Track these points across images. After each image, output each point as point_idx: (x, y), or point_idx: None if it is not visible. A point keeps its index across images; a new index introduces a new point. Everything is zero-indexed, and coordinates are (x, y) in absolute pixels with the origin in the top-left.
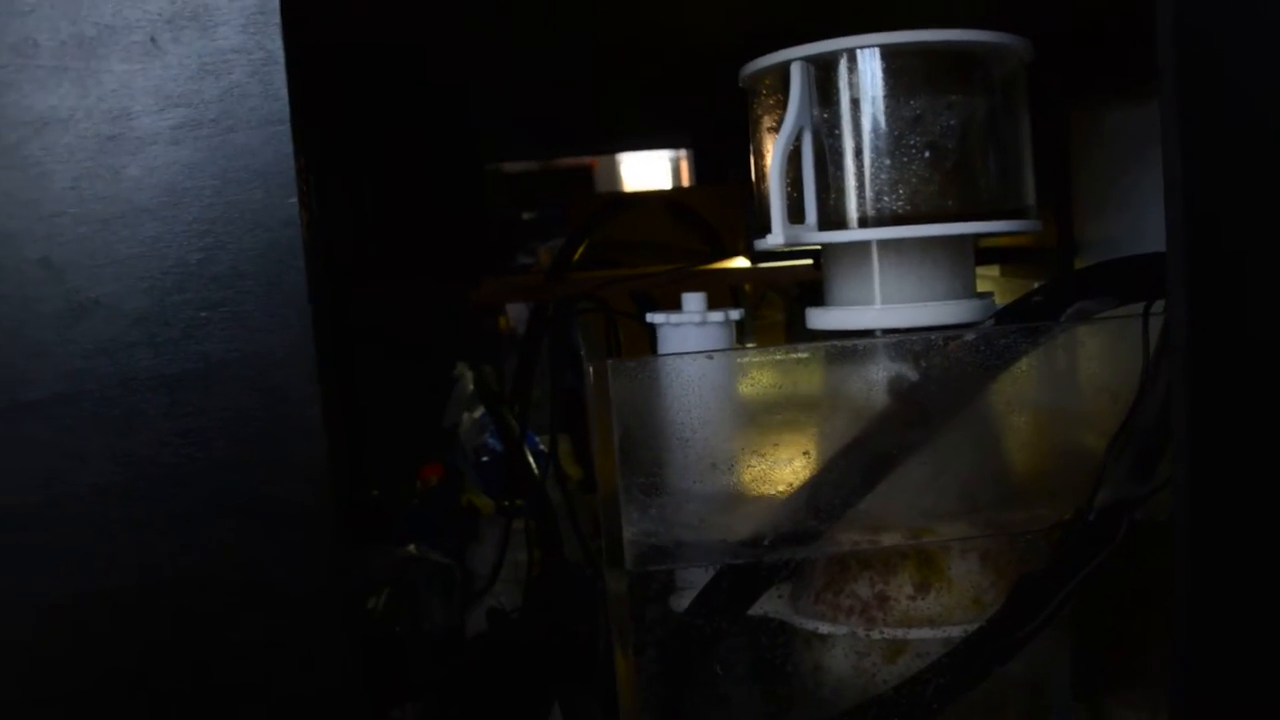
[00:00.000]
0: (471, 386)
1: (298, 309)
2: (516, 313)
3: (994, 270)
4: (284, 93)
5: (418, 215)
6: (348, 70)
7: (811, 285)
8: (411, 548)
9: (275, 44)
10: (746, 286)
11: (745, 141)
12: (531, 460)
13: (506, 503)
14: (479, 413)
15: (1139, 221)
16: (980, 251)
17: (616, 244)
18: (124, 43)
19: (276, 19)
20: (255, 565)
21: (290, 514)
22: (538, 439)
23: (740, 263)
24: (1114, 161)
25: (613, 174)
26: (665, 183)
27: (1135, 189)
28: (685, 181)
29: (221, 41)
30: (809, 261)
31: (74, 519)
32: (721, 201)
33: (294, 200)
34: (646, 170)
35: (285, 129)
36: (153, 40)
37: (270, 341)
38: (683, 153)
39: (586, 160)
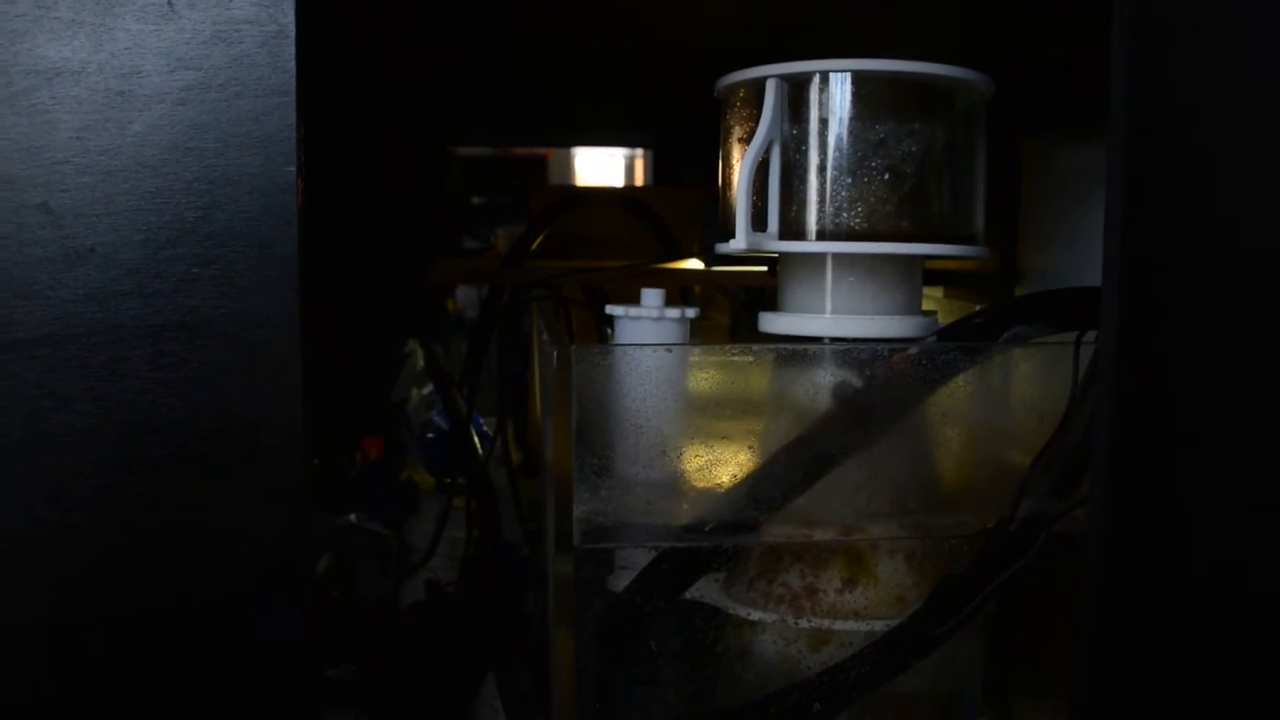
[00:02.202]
0: (421, 364)
1: (286, 273)
2: (465, 295)
3: (939, 291)
4: (292, 65)
5: (375, 194)
6: (311, 48)
7: (759, 291)
8: (352, 517)
9: (288, 18)
10: (697, 288)
11: (704, 147)
12: (476, 440)
13: (448, 480)
14: (427, 389)
15: (1080, 255)
16: (928, 272)
17: (572, 237)
18: (141, 3)
19: None
20: (224, 516)
21: (262, 469)
22: (482, 421)
23: (693, 264)
24: (1061, 196)
25: (566, 166)
26: (619, 179)
27: (1080, 224)
28: (639, 179)
29: (235, 11)
30: (761, 268)
31: (51, 458)
32: (677, 203)
33: (292, 168)
34: (601, 165)
35: (290, 100)
36: (169, 4)
37: (257, 301)
38: (638, 151)
39: (541, 151)
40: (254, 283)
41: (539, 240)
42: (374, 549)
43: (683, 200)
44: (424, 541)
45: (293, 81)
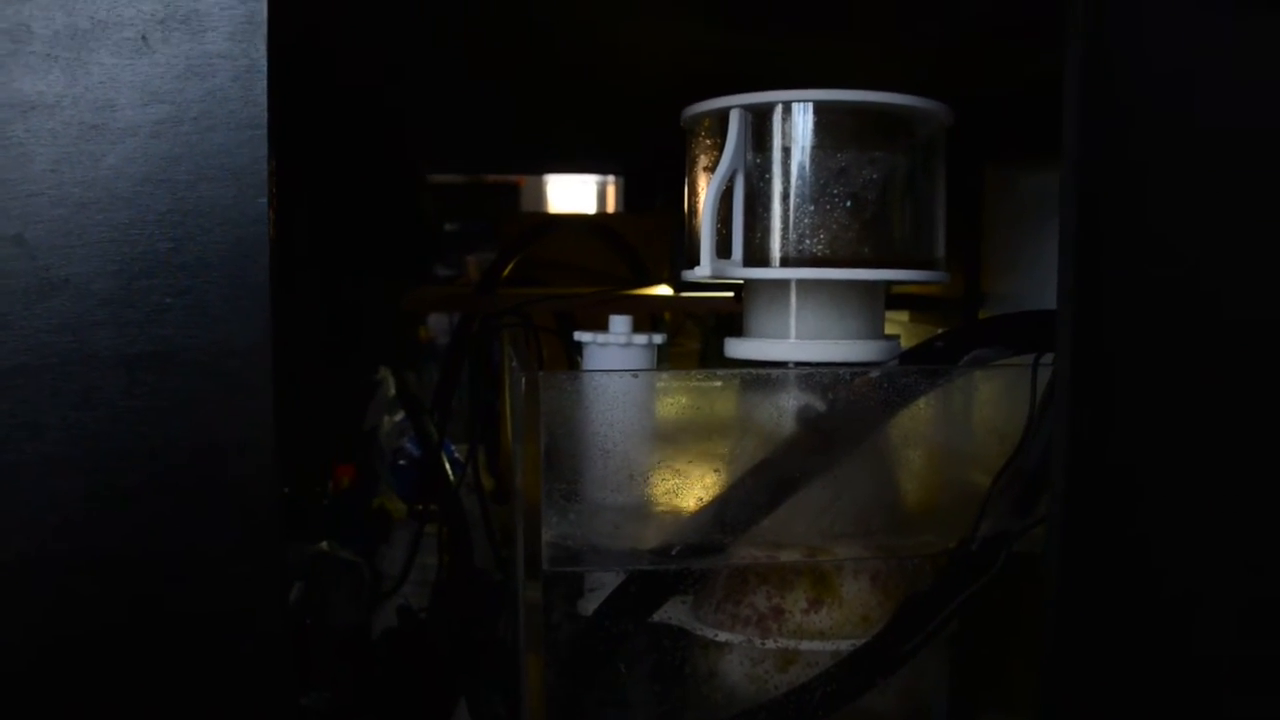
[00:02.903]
0: (393, 391)
1: (258, 302)
2: (436, 323)
3: (903, 315)
4: (264, 99)
5: (349, 222)
6: (284, 77)
7: (728, 317)
8: (323, 544)
9: (259, 52)
10: (666, 315)
11: (674, 174)
12: (448, 467)
13: (420, 507)
14: (399, 416)
15: (1041, 280)
16: (892, 297)
17: (543, 263)
18: (116, 38)
19: (263, 30)
20: (197, 543)
21: (236, 497)
22: (454, 448)
23: (663, 290)
24: (1023, 221)
25: (539, 193)
26: (591, 206)
27: (1041, 248)
28: (610, 206)
29: (209, 46)
30: (729, 294)
31: (24, 487)
32: (648, 230)
33: (264, 200)
34: (573, 193)
35: (262, 133)
36: (144, 38)
37: (230, 331)
38: (610, 178)
39: (514, 178)
40: (226, 312)
41: (511, 267)
42: (346, 577)
43: (653, 227)
44: (396, 569)
45: (264, 115)
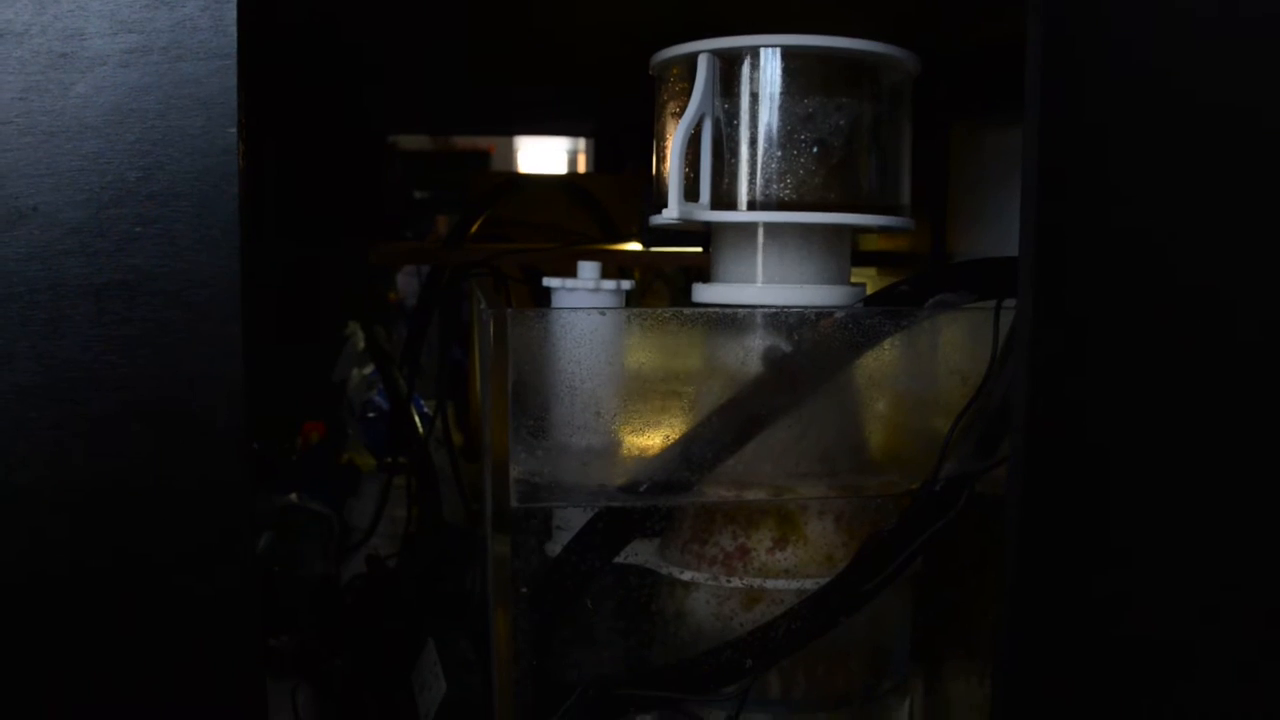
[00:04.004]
0: (362, 345)
1: (226, 231)
2: (405, 285)
3: (871, 271)
4: (234, 30)
5: (316, 180)
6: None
7: (699, 273)
8: (293, 496)
9: None
10: (635, 273)
11: (644, 137)
12: (416, 419)
13: (389, 459)
14: (368, 370)
15: (1006, 233)
16: (859, 254)
17: (512, 222)
18: None
19: None
20: (166, 471)
21: (204, 424)
22: (423, 402)
23: (633, 247)
24: (988, 178)
25: (509, 159)
26: (562, 171)
27: (1006, 204)
28: (581, 171)
29: None
30: (698, 249)
31: None
32: (618, 190)
33: (233, 130)
34: (543, 158)
35: (231, 63)
36: None
37: (198, 260)
38: (580, 144)
39: (484, 144)
40: (195, 242)
41: (479, 223)
42: (315, 528)
43: (623, 187)
44: (365, 522)
45: (234, 45)
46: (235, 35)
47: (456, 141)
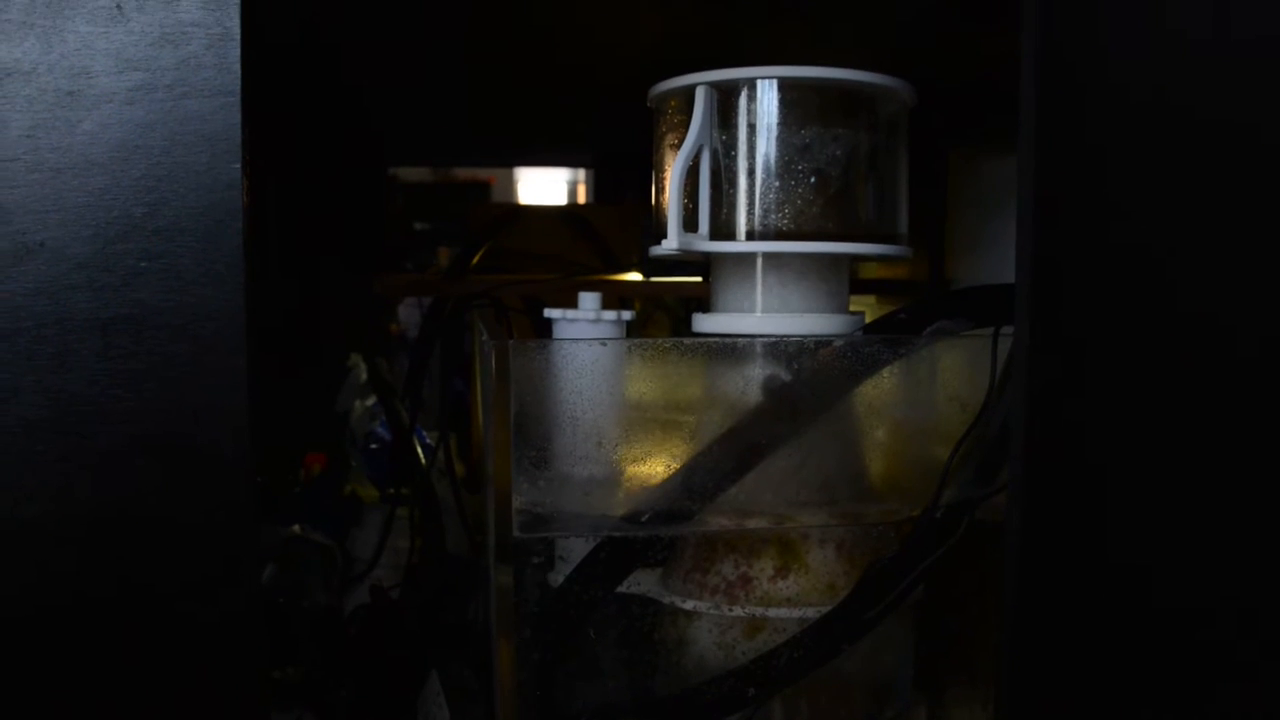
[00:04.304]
0: (364, 376)
1: (231, 265)
2: (407, 316)
3: (870, 299)
4: (237, 67)
5: (317, 212)
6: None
7: (699, 303)
8: (296, 528)
9: (233, 21)
10: (636, 304)
11: (643, 167)
12: (419, 450)
13: (391, 490)
14: (370, 401)
15: (1005, 261)
16: (858, 282)
17: (514, 253)
18: (91, 6)
19: None
20: (172, 503)
21: (209, 457)
22: (425, 433)
23: (634, 277)
24: (985, 205)
25: (509, 191)
26: (562, 202)
27: (1002, 231)
28: (581, 203)
29: (183, 14)
30: (698, 279)
31: (1, 450)
32: (618, 221)
33: (238, 165)
34: (543, 189)
35: (235, 99)
36: (118, 7)
37: (204, 294)
38: (580, 175)
39: (484, 176)
40: (200, 276)
41: (481, 254)
42: (318, 559)
43: (623, 217)
44: (368, 553)
45: (238, 82)
46: (239, 72)
47: (457, 173)
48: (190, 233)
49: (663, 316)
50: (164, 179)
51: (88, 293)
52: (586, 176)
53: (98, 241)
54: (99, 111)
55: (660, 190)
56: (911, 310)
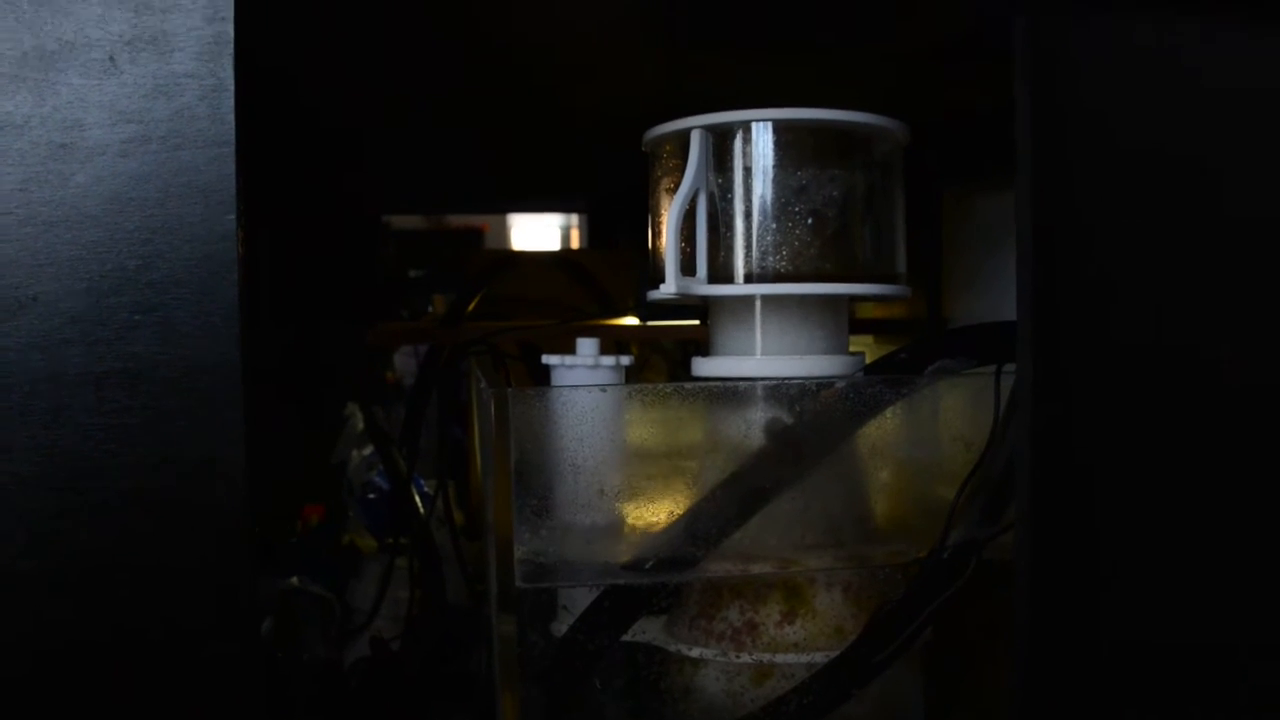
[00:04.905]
0: (361, 425)
1: (227, 318)
2: (403, 365)
3: (868, 339)
4: (231, 118)
5: (311, 262)
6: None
7: (696, 346)
8: (294, 580)
9: (226, 72)
10: (633, 349)
11: (637, 211)
12: (417, 499)
13: (390, 540)
14: (367, 450)
15: (1002, 299)
16: (856, 322)
17: (509, 299)
18: (83, 59)
19: (230, 49)
20: (170, 557)
21: (206, 513)
22: (423, 482)
23: (630, 322)
24: (981, 243)
25: (502, 237)
26: (555, 247)
27: (1000, 269)
28: (575, 247)
29: (176, 66)
30: (695, 322)
31: None
32: (613, 265)
33: (232, 217)
34: (537, 235)
35: (230, 150)
36: (111, 59)
37: (199, 347)
38: (574, 220)
39: (477, 222)
40: (195, 329)
41: (476, 301)
42: (317, 611)
43: (617, 262)
44: (367, 604)
45: (232, 133)
46: (233, 124)
47: (450, 220)
48: (185, 285)
49: (659, 360)
50: (158, 231)
51: (81, 347)
52: (580, 221)
53: (91, 295)
54: (92, 164)
55: (657, 234)
56: (912, 350)
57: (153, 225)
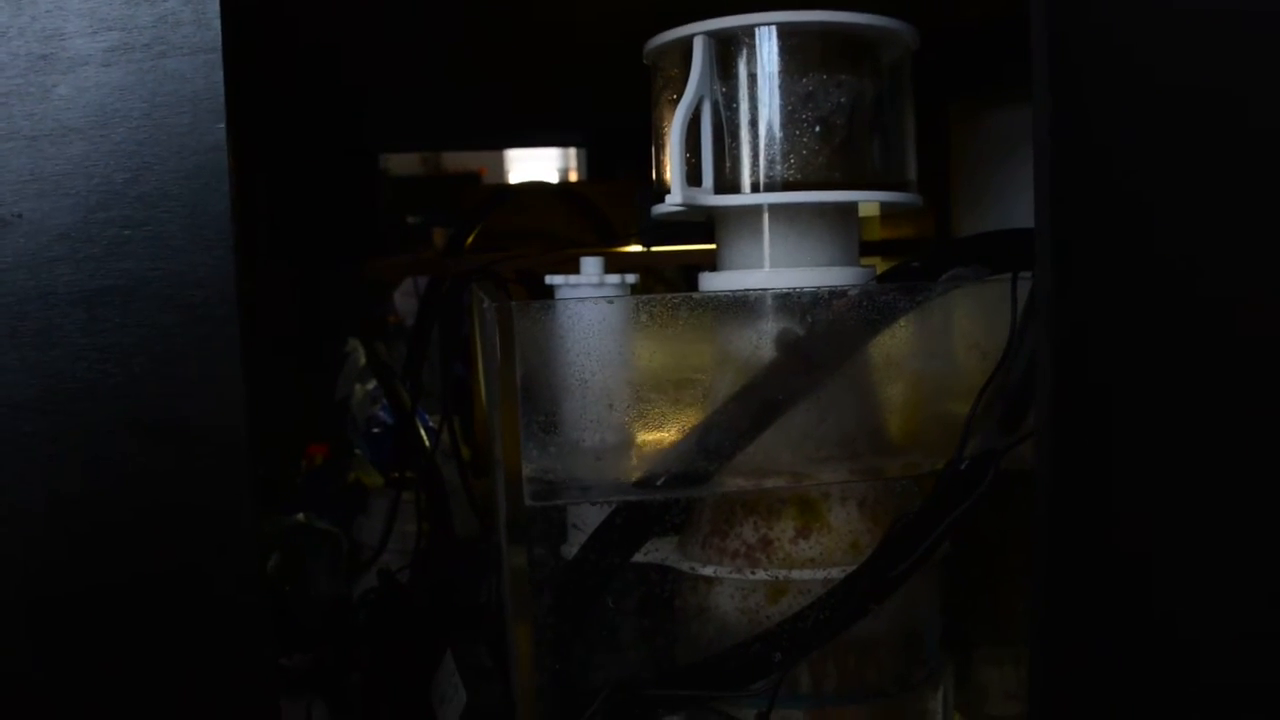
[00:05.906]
0: (363, 360)
1: (220, 230)
2: (404, 306)
3: (876, 259)
4: (217, 22)
5: (309, 200)
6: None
7: (699, 272)
8: (300, 516)
9: None
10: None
11: (639, 140)
12: (423, 433)
13: (396, 474)
14: (370, 385)
15: (1010, 214)
16: (865, 244)
17: (509, 233)
18: None
19: None
20: (168, 480)
21: (204, 431)
22: (428, 417)
23: (633, 248)
24: (989, 158)
25: (500, 179)
26: None
27: (1008, 184)
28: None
29: None
30: (701, 244)
31: None
32: (613, 196)
33: (222, 126)
34: (535, 175)
35: (216, 57)
36: None
37: (192, 261)
38: (571, 162)
39: (474, 165)
40: (188, 242)
41: (476, 234)
42: (324, 546)
43: (618, 193)
44: (374, 539)
45: (219, 38)
46: (219, 28)
47: (447, 164)
48: (175, 198)
49: (662, 290)
50: (145, 143)
51: (70, 265)
52: (578, 158)
53: (79, 211)
54: (74, 75)
55: (661, 148)
56: (925, 258)
57: (140, 137)
